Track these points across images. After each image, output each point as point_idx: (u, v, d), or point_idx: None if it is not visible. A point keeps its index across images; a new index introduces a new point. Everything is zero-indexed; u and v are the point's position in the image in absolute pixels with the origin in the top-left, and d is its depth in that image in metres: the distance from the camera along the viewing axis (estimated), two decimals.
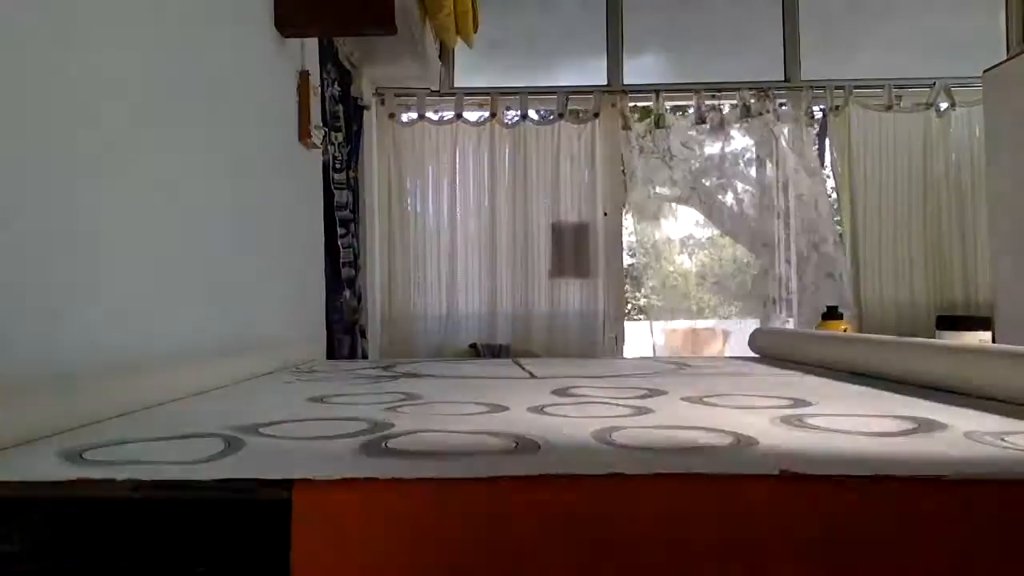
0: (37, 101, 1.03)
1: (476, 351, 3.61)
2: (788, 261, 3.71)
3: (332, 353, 2.64)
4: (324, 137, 2.56)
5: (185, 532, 0.63)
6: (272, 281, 2.02)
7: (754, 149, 3.78)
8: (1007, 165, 3.20)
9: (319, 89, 2.41)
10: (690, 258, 4.24)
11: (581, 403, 1.11)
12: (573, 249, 3.71)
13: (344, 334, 2.89)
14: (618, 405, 1.07)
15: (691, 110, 3.81)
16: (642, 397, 1.16)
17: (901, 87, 3.72)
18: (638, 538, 0.59)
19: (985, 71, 3.30)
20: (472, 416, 0.98)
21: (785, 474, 0.61)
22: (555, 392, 1.22)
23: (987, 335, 3.32)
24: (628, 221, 3.82)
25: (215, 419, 0.94)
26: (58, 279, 1.07)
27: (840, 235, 3.70)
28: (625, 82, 3.78)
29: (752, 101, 3.69)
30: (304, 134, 2.26)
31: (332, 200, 2.72)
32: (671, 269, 3.99)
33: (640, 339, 3.84)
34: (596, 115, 3.71)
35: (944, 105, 3.69)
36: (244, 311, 1.80)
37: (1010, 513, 0.60)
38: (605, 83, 3.78)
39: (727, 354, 3.58)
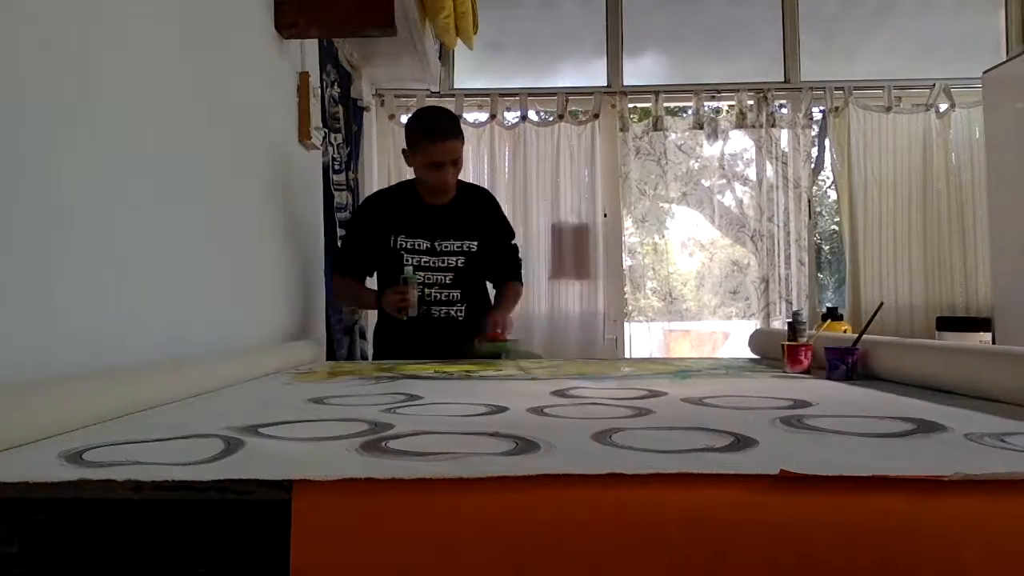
0: (35, 101, 1.03)
1: None
2: (787, 262, 3.71)
3: (332, 354, 2.64)
4: (324, 138, 2.57)
5: (185, 533, 0.63)
6: (272, 282, 2.02)
7: (753, 150, 3.79)
8: (1007, 165, 3.21)
9: (319, 90, 2.42)
10: (690, 259, 4.24)
11: (581, 404, 1.11)
12: (573, 250, 3.71)
13: (343, 335, 2.89)
14: (618, 406, 1.07)
15: (689, 112, 3.81)
16: (642, 398, 1.16)
17: (901, 88, 3.72)
18: (638, 539, 0.59)
19: (985, 72, 3.30)
20: (472, 417, 0.98)
21: (785, 474, 0.61)
22: (555, 393, 1.22)
23: (987, 336, 3.32)
24: (628, 222, 3.82)
25: (215, 420, 0.94)
26: (58, 279, 1.07)
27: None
28: (625, 83, 3.78)
29: (750, 103, 3.69)
30: (304, 135, 2.27)
31: (332, 201, 2.72)
32: (671, 270, 3.99)
33: (640, 340, 3.84)
34: (596, 116, 3.71)
35: (944, 106, 3.69)
36: (244, 312, 1.80)
37: (1010, 514, 0.60)
38: (605, 84, 3.78)
39: (726, 355, 3.58)
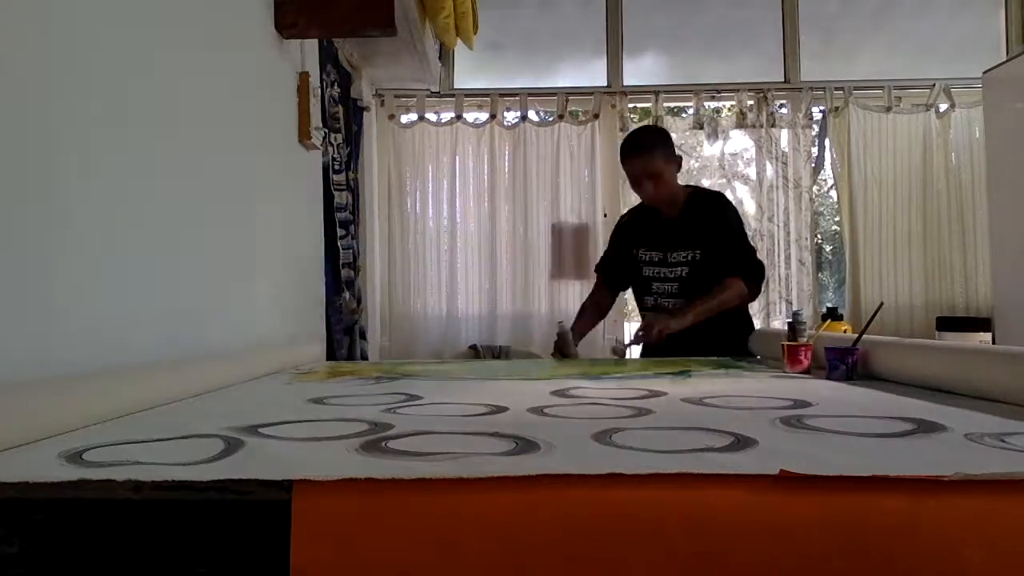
0: (35, 102, 1.03)
1: (476, 352, 3.61)
2: (788, 262, 3.71)
3: (332, 354, 2.64)
4: (324, 138, 2.56)
5: (185, 533, 0.63)
6: (272, 282, 2.02)
7: (753, 149, 3.79)
8: (1007, 165, 3.21)
9: (319, 90, 2.41)
10: None
11: (581, 404, 1.11)
12: (573, 250, 3.71)
13: (343, 335, 2.89)
14: (618, 406, 1.07)
15: (690, 112, 3.81)
16: (642, 398, 1.16)
17: (901, 88, 3.72)
18: (638, 539, 0.59)
19: (985, 72, 3.30)
20: (472, 417, 0.98)
21: (785, 474, 0.61)
22: (555, 393, 1.22)
23: (987, 336, 3.32)
24: None
25: (215, 420, 0.94)
26: (58, 279, 1.07)
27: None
28: (625, 83, 3.78)
29: (750, 103, 3.69)
30: (304, 135, 2.26)
31: (332, 201, 2.72)
32: None
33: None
34: (596, 116, 3.71)
35: (944, 106, 3.69)
36: (244, 312, 1.80)
37: (1010, 514, 0.60)
38: (605, 84, 3.78)
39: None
